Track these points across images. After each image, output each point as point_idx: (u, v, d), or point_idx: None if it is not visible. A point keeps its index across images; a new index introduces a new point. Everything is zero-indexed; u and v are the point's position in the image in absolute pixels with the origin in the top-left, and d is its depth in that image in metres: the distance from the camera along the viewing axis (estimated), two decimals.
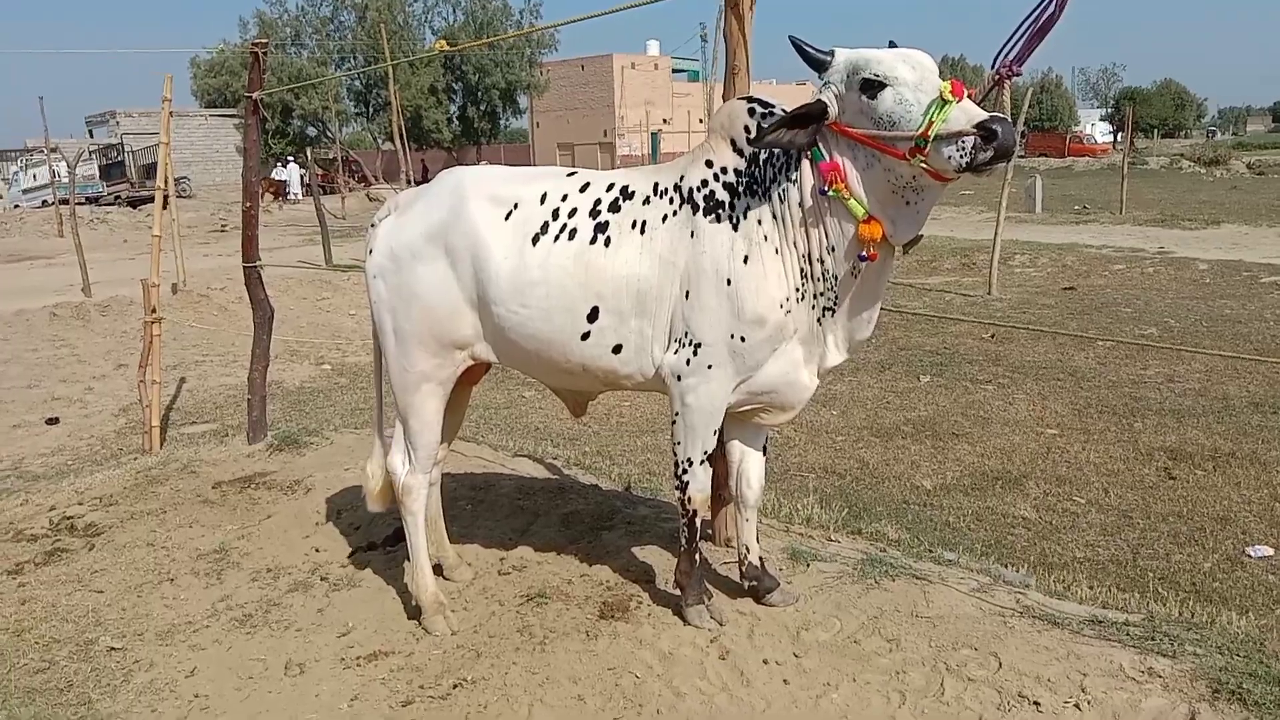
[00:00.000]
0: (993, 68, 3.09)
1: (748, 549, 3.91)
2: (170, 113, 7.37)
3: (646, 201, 3.53)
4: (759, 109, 3.41)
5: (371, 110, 50.22)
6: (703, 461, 3.63)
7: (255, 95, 6.30)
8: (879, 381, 9.21)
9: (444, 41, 6.85)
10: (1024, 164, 40.24)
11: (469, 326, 3.72)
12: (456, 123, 52.74)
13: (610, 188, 3.60)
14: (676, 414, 3.58)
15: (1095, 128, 72.05)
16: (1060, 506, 6.04)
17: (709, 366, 3.45)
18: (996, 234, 13.74)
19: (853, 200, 3.18)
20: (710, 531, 4.51)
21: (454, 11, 51.81)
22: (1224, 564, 5.19)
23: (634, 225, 3.51)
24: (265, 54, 6.36)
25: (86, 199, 35.07)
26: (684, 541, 3.77)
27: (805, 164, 3.26)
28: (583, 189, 3.63)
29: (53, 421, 8.24)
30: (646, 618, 3.84)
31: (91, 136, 47.63)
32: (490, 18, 50.23)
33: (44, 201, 35.07)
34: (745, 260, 3.35)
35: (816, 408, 8.08)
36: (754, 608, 3.85)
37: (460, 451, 5.74)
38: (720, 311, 3.38)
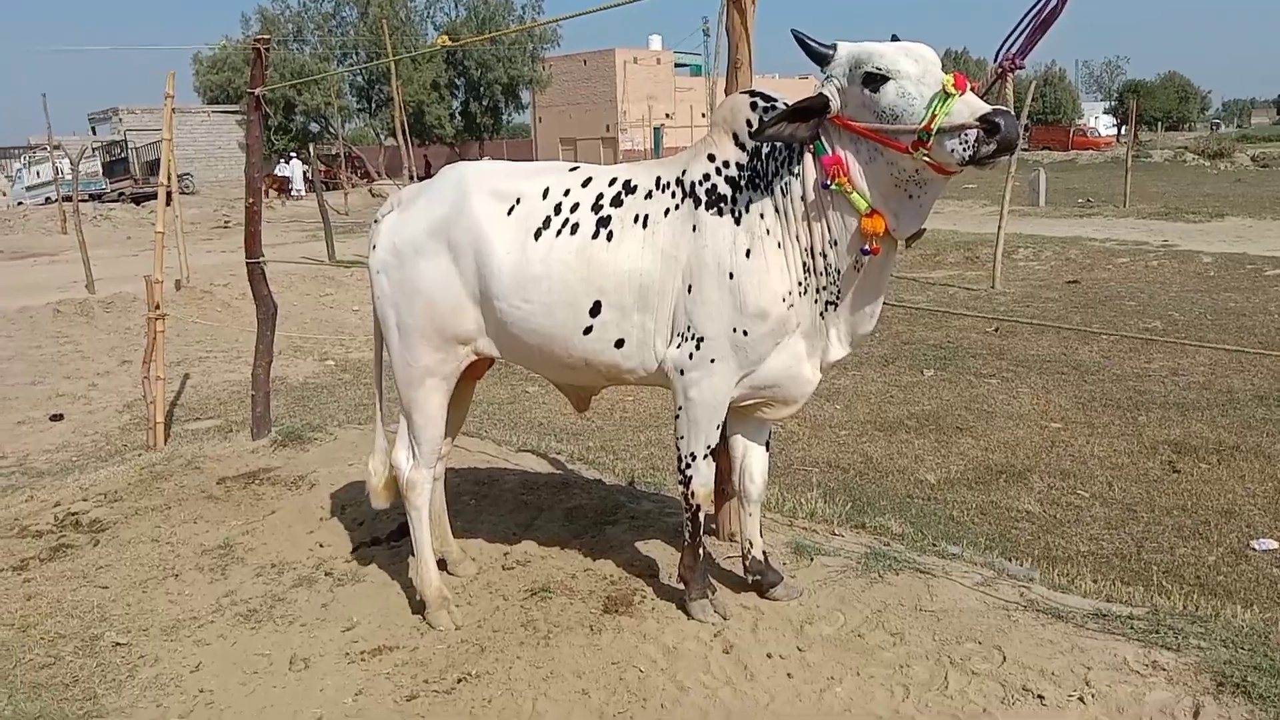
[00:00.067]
0: (995, 60, 3.08)
1: (751, 543, 3.91)
2: (173, 109, 7.37)
3: (649, 196, 3.52)
4: (761, 103, 3.41)
5: (374, 106, 50.16)
6: (706, 456, 3.63)
7: (257, 91, 6.30)
8: (882, 376, 9.21)
9: (446, 37, 6.86)
10: (1027, 157, 40.13)
11: (472, 321, 3.72)
12: (459, 118, 52.67)
13: (612, 182, 3.60)
14: (679, 408, 3.58)
15: (1099, 121, 71.80)
16: (1064, 500, 6.03)
17: (711, 361, 3.44)
18: (1000, 227, 13.71)
19: (855, 194, 3.17)
20: (714, 526, 4.52)
21: (456, 6, 51.72)
22: (1228, 557, 5.18)
23: (636, 220, 3.50)
24: (267, 50, 6.36)
25: (90, 196, 35.08)
26: (688, 536, 3.77)
27: (808, 158, 3.26)
28: (585, 184, 3.63)
29: (57, 418, 8.25)
30: (650, 612, 3.85)
31: (94, 134, 47.63)
32: (492, 13, 50.11)
33: (47, 199, 35.10)
34: (747, 254, 3.35)
35: (820, 402, 8.08)
36: (758, 602, 3.86)
37: (464, 447, 5.75)
38: (722, 305, 3.38)
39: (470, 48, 48.43)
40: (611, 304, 3.50)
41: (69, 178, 22.31)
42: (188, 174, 40.46)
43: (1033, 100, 17.20)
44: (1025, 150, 41.98)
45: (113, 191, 39.26)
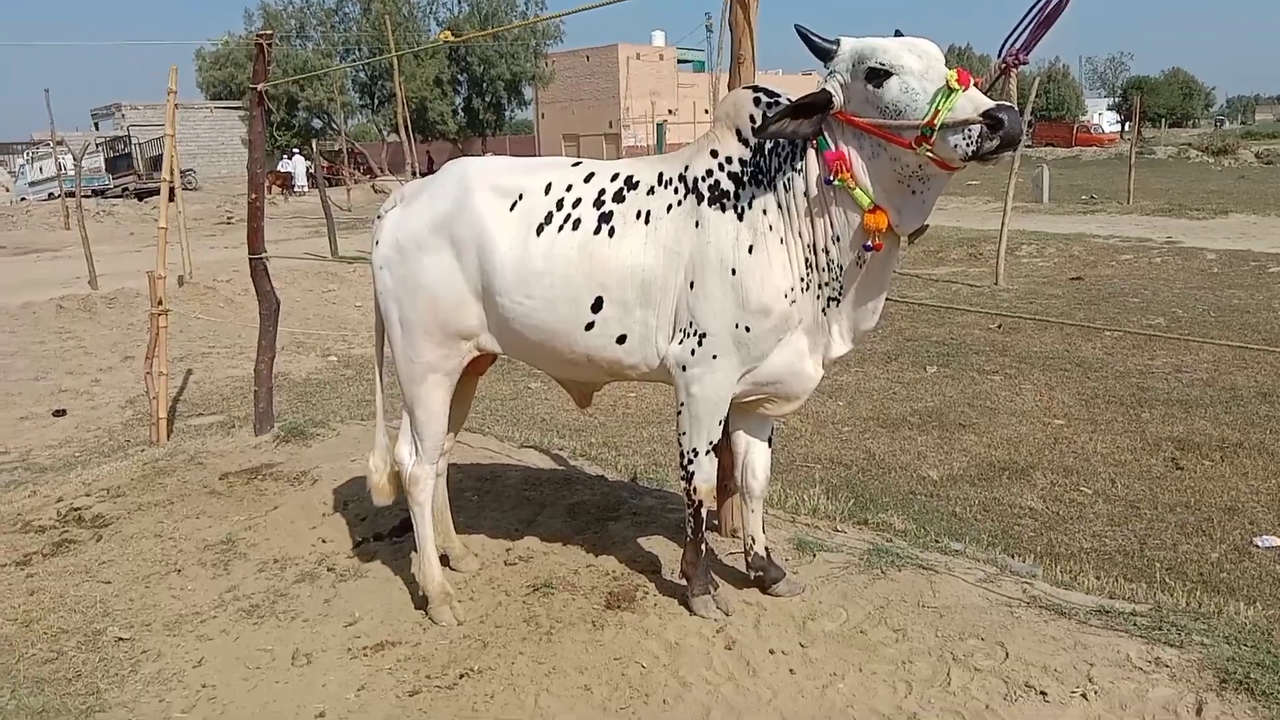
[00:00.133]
0: (999, 56, 3.07)
1: (754, 539, 3.91)
2: (175, 105, 7.37)
3: (651, 191, 3.52)
4: (764, 98, 3.40)
5: (377, 102, 50.17)
6: (708, 452, 3.63)
7: (260, 87, 6.30)
8: (885, 372, 9.20)
9: (449, 32, 6.85)
10: (1031, 154, 40.12)
11: (474, 317, 3.71)
12: (462, 114, 52.68)
13: (615, 178, 3.59)
14: (682, 404, 3.58)
15: (1102, 117, 71.58)
16: (1067, 497, 6.03)
17: (714, 357, 3.44)
18: (1003, 224, 13.70)
19: (858, 190, 3.16)
20: (716, 522, 4.52)
21: (458, 2, 51.74)
22: (1231, 554, 5.18)
23: (638, 215, 3.50)
24: (270, 46, 6.36)
25: (92, 191, 35.10)
26: (690, 532, 3.77)
27: (810, 153, 3.25)
28: (587, 179, 3.62)
29: (60, 413, 8.26)
30: (653, 608, 3.85)
31: (97, 129, 47.73)
32: (495, 9, 50.10)
33: (50, 194, 35.13)
34: (750, 250, 3.35)
35: (822, 398, 8.08)
36: (760, 598, 3.86)
37: (466, 443, 5.75)
38: (725, 301, 3.37)
39: (473, 44, 48.44)
40: (614, 300, 3.50)
41: (72, 173, 22.33)
42: (190, 170, 40.53)
43: (1036, 96, 17.16)
44: (1029, 147, 41.94)
45: (116, 187, 39.30)
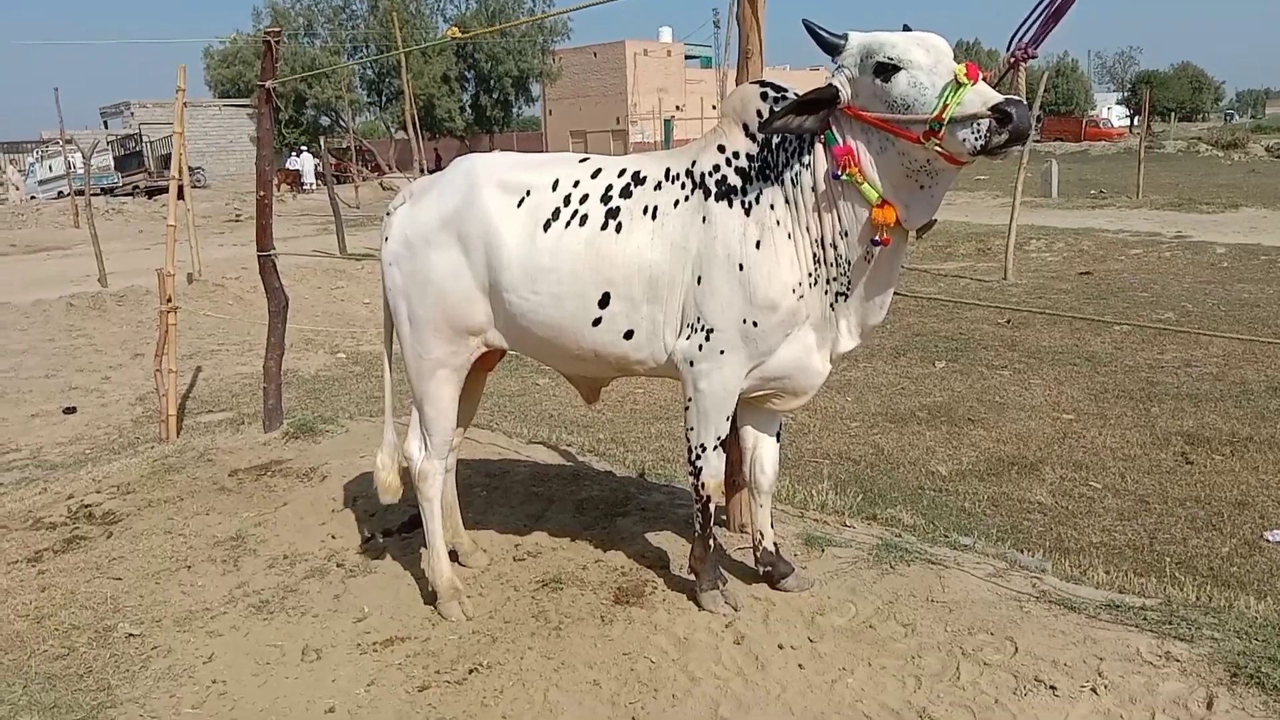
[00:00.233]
0: (1008, 50, 3.06)
1: (762, 534, 3.91)
2: (184, 103, 7.38)
3: (658, 187, 3.52)
4: (772, 93, 3.39)
5: (384, 99, 50.27)
6: (716, 447, 3.63)
7: (268, 84, 6.30)
8: (894, 367, 9.19)
9: (456, 29, 6.85)
10: (1040, 148, 39.95)
11: (482, 313, 3.72)
12: (469, 111, 52.73)
13: (622, 173, 3.59)
14: (689, 400, 3.57)
15: (1111, 111, 71.39)
16: (1076, 492, 6.01)
17: (721, 352, 3.44)
18: (1012, 219, 13.66)
19: (866, 184, 3.16)
20: (725, 517, 4.51)
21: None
22: (1242, 548, 5.16)
23: (645, 211, 3.50)
24: (278, 43, 6.36)
25: (101, 190, 35.21)
26: (698, 527, 3.77)
27: (818, 148, 3.25)
28: (594, 175, 3.62)
29: (70, 411, 8.30)
30: (661, 603, 3.85)
31: (106, 127, 47.86)
32: (502, 5, 50.12)
33: (59, 193, 35.24)
34: (757, 245, 3.34)
35: (831, 394, 8.07)
36: (769, 593, 3.85)
37: (475, 438, 5.76)
38: (732, 297, 3.37)
39: (480, 41, 48.44)
40: (620, 295, 3.50)
41: (81, 172, 22.38)
42: (199, 168, 40.60)
43: (1045, 91, 17.12)
44: (1037, 141, 41.79)
45: (126, 185, 39.41)
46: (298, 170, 39.88)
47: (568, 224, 3.55)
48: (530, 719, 3.24)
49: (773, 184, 3.36)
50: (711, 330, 3.43)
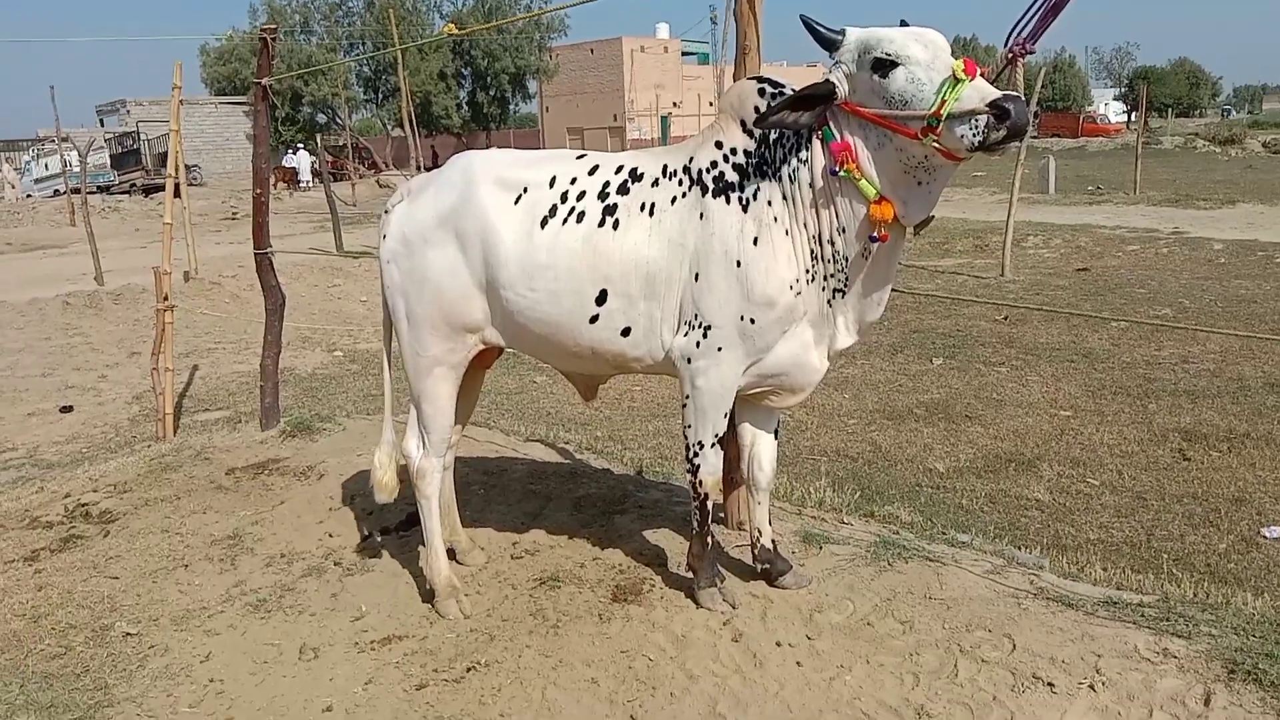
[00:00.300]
0: (1006, 45, 3.06)
1: (760, 532, 3.90)
2: (180, 100, 7.37)
3: (655, 183, 3.51)
4: (769, 89, 3.38)
5: (381, 96, 50.16)
6: (714, 444, 3.62)
7: (265, 81, 6.29)
8: (891, 364, 9.19)
9: (453, 26, 6.84)
10: (1037, 144, 39.95)
11: (479, 310, 3.71)
12: (466, 108, 52.63)
13: (619, 170, 3.59)
14: (687, 397, 3.57)
15: (1109, 107, 71.34)
16: (1074, 488, 6.02)
17: (719, 349, 3.43)
18: (1010, 215, 13.67)
19: (864, 181, 3.15)
20: (722, 515, 4.51)
21: None
22: (1239, 545, 5.17)
23: (643, 208, 3.49)
24: (274, 40, 6.35)
25: (97, 188, 35.14)
26: (696, 525, 3.76)
27: (816, 144, 3.24)
28: (591, 171, 3.61)
29: (67, 410, 8.28)
30: (659, 601, 3.84)
31: (102, 125, 47.73)
32: (499, 2, 50.03)
33: (56, 191, 35.16)
34: (755, 242, 3.34)
35: (828, 391, 8.07)
36: (767, 590, 3.85)
37: (472, 436, 5.75)
38: (730, 293, 3.36)
39: (477, 37, 48.33)
40: (618, 292, 3.49)
41: (77, 170, 22.34)
42: (196, 165, 40.52)
43: (1042, 87, 17.11)
44: (1034, 137, 41.77)
45: (123, 183, 39.34)
46: (294, 168, 39.81)
47: (565, 221, 3.54)
48: (528, 717, 3.23)
49: (770, 180, 3.35)
50: (709, 327, 3.42)
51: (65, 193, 28.70)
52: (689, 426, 3.62)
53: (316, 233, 21.01)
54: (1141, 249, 15.20)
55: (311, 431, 6.22)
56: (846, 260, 3.33)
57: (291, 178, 39.06)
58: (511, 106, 55.95)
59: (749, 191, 3.37)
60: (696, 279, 3.41)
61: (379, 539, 4.63)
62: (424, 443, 3.93)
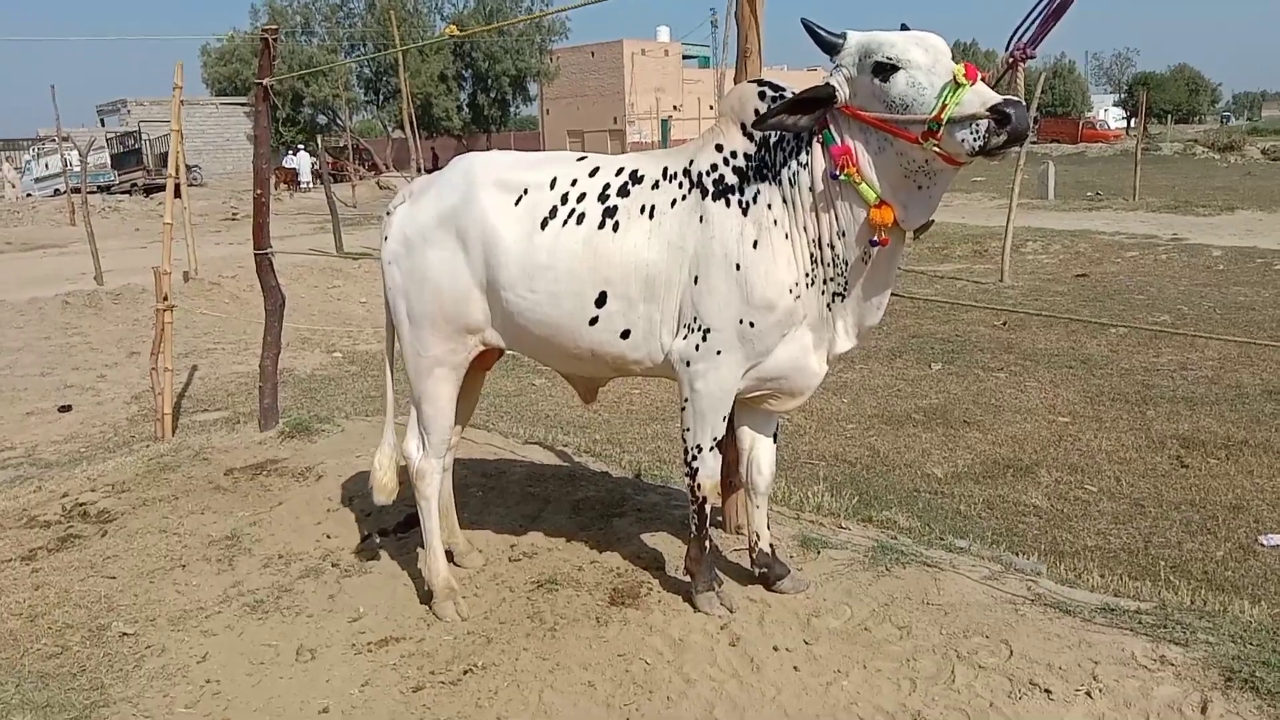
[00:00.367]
0: (1007, 50, 3.06)
1: (758, 536, 3.90)
2: (181, 100, 7.37)
3: (655, 186, 3.51)
4: (770, 93, 3.38)
5: (381, 98, 50.18)
6: (713, 448, 3.62)
7: (266, 82, 6.29)
8: (890, 369, 9.19)
9: (454, 27, 6.84)
10: (1037, 150, 39.98)
11: (480, 311, 3.72)
12: (467, 110, 52.66)
13: (619, 172, 3.59)
14: (686, 400, 3.57)
15: (1108, 113, 71.50)
16: (1072, 494, 6.02)
17: (718, 352, 3.43)
18: (1009, 220, 13.67)
19: (864, 184, 3.15)
20: (720, 518, 4.51)
21: None
22: (1237, 552, 5.16)
23: (643, 210, 3.49)
24: (275, 41, 6.35)
25: (98, 188, 35.13)
26: (694, 528, 3.76)
27: (816, 148, 3.24)
28: (592, 174, 3.62)
29: (65, 409, 8.27)
30: (657, 604, 3.84)
31: (103, 125, 47.75)
32: (500, 4, 50.06)
33: (56, 190, 35.15)
34: (755, 245, 3.34)
35: (827, 395, 8.07)
36: (764, 595, 3.85)
37: (471, 439, 5.75)
38: (729, 296, 3.37)
39: (478, 39, 48.39)
40: (618, 294, 3.50)
41: (78, 169, 22.34)
42: (196, 166, 40.53)
43: (1042, 92, 17.12)
44: (1034, 143, 41.76)
45: (124, 183, 39.34)
46: (295, 169, 39.81)
47: (565, 222, 3.54)
48: None
49: (770, 183, 3.35)
50: (708, 330, 3.42)
51: (65, 192, 28.66)
52: (688, 430, 3.62)
53: (316, 234, 21.00)
54: (1140, 255, 15.21)
55: (310, 433, 6.21)
56: (846, 264, 3.33)
57: (292, 179, 39.06)
58: (512, 109, 56.00)
59: (749, 194, 3.37)
60: (696, 282, 3.41)
61: (377, 540, 4.63)
62: (424, 444, 3.93)
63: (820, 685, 3.28)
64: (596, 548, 4.36)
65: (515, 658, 3.55)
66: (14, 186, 39.17)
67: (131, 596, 4.22)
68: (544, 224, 3.56)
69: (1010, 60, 3.05)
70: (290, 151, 41.27)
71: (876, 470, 6.53)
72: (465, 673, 3.48)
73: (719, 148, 3.45)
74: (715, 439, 3.61)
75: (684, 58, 63.36)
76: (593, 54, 60.16)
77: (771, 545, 3.93)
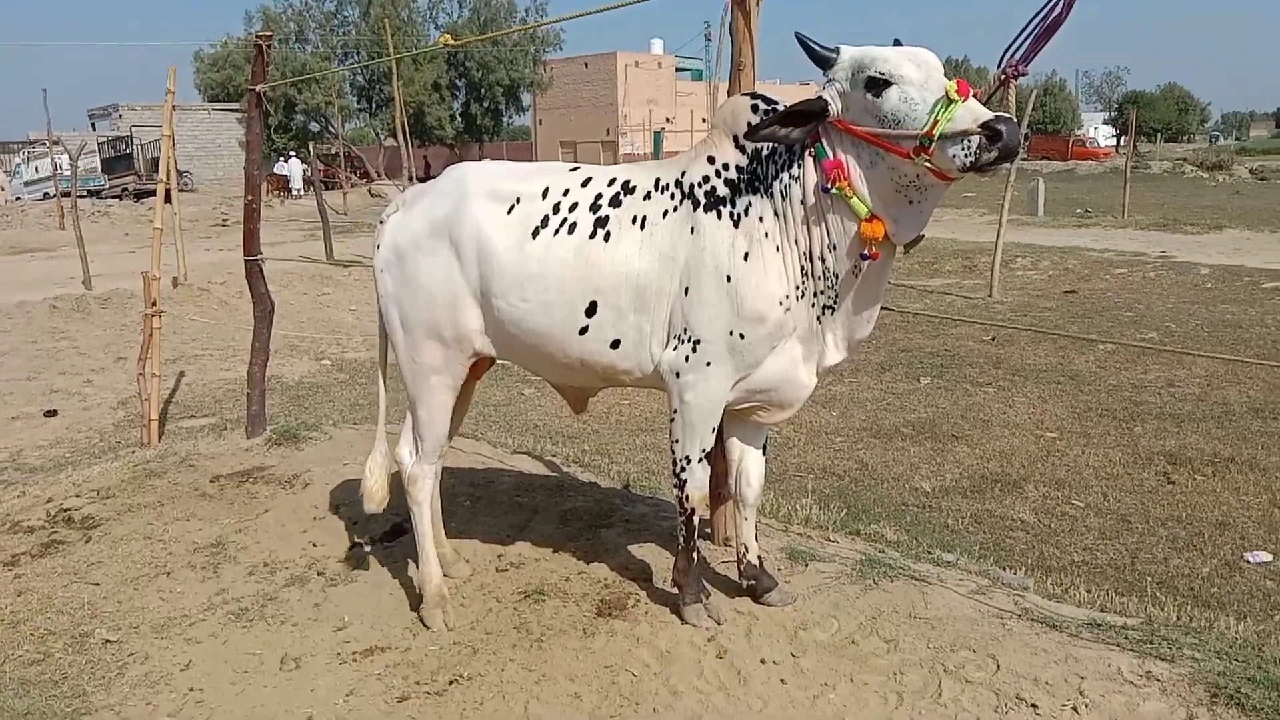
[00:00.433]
0: (999, 67, 3.08)
1: (746, 548, 3.90)
2: (173, 105, 7.36)
3: (647, 197, 3.52)
4: (763, 105, 3.40)
5: (374, 106, 50.18)
6: (701, 459, 3.62)
7: (258, 88, 6.28)
8: (879, 383, 9.20)
9: (448, 37, 6.85)
10: (1027, 167, 40.21)
11: (473, 320, 3.71)
12: (459, 119, 52.68)
13: (611, 183, 3.60)
14: (675, 411, 3.57)
15: (1098, 131, 71.85)
16: (1059, 510, 6.03)
17: (708, 364, 3.44)
18: (999, 236, 13.72)
19: (855, 198, 3.17)
20: (709, 530, 4.50)
21: (458, 7, 51.78)
22: (1222, 569, 5.18)
23: (634, 220, 3.50)
24: (269, 48, 6.34)
25: (88, 192, 35.01)
26: (682, 540, 3.76)
27: (808, 161, 3.25)
28: (584, 184, 3.62)
29: (51, 414, 8.23)
30: (644, 616, 3.83)
31: (94, 129, 47.60)
32: (494, 14, 50.15)
33: (45, 194, 35.01)
34: (745, 257, 3.35)
35: (816, 408, 8.07)
36: (752, 607, 3.84)
37: (459, 448, 5.73)
38: (720, 308, 3.37)
39: (472, 49, 48.44)
40: (608, 304, 3.50)
41: (67, 173, 22.28)
42: (187, 171, 40.42)
43: (1033, 110, 17.22)
44: (1024, 160, 41.99)
45: (114, 187, 39.21)
46: (286, 175, 39.75)
47: (556, 232, 3.55)
48: None
49: (762, 196, 3.36)
50: (698, 341, 3.42)
51: (55, 196, 28.55)
52: (676, 441, 3.61)
53: (307, 241, 20.96)
54: (1129, 272, 15.28)
55: (297, 440, 6.19)
56: (837, 277, 3.34)
57: (283, 185, 39.01)
58: (505, 119, 56.06)
59: (740, 207, 3.38)
60: (686, 293, 3.42)
61: (367, 548, 4.61)
62: (418, 449, 3.93)
63: (807, 698, 3.28)
64: (584, 559, 4.35)
65: (501, 668, 3.53)
66: (3, 190, 39.01)
67: (115, 603, 4.19)
68: (536, 233, 3.56)
69: (1002, 77, 3.08)
70: (282, 158, 41.24)
71: (865, 483, 6.53)
72: (451, 683, 3.46)
73: (711, 160, 3.46)
74: (704, 450, 3.61)
75: (677, 70, 63.56)
76: (586, 65, 60.30)
77: (760, 557, 3.93)
